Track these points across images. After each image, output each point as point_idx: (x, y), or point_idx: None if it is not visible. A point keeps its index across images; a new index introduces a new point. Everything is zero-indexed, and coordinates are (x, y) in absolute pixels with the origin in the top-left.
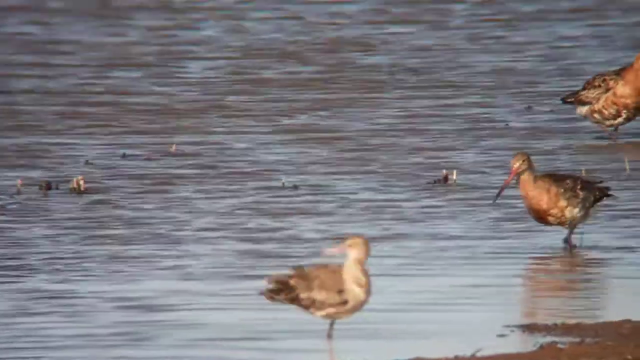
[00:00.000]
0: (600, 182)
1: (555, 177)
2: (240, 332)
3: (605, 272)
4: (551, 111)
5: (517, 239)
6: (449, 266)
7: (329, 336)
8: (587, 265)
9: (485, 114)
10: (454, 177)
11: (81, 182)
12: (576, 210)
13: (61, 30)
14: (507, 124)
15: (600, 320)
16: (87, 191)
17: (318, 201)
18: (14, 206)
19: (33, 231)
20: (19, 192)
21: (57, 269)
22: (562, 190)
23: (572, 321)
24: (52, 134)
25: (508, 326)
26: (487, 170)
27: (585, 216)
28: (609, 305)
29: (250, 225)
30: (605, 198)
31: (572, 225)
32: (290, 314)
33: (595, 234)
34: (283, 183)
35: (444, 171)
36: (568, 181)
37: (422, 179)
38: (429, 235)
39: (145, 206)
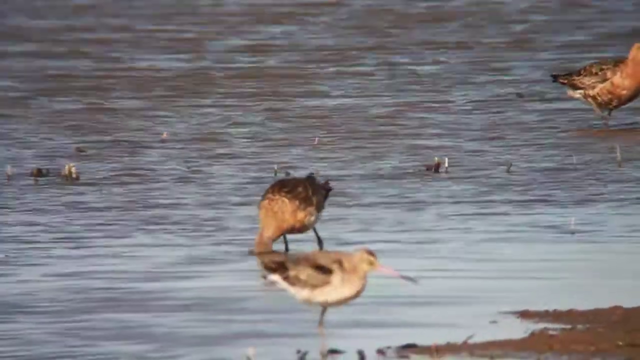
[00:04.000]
0: (326, 181)
1: (289, 190)
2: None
3: (597, 258)
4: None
5: (503, 226)
6: (440, 253)
7: (321, 323)
8: (579, 252)
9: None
10: (446, 165)
11: (73, 170)
12: (313, 218)
13: None
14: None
15: (592, 307)
16: (78, 179)
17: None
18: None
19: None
20: (8, 179)
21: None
22: (297, 202)
23: (564, 308)
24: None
25: (500, 312)
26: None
27: (318, 218)
28: (600, 291)
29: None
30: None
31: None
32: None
33: (592, 220)
34: (275, 171)
35: (436, 159)
36: (300, 189)
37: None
38: (419, 224)
39: (135, 191)
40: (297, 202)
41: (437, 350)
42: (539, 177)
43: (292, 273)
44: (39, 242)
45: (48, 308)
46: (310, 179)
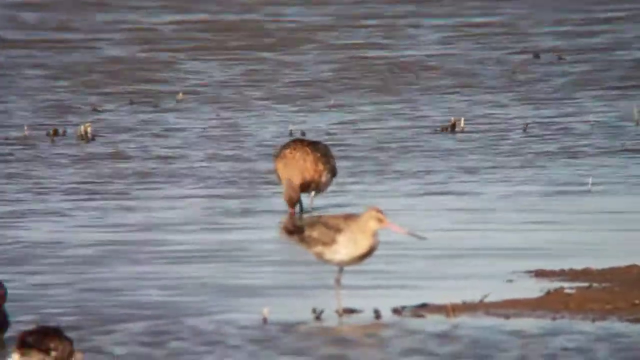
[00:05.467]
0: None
1: (310, 143)
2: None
3: (614, 216)
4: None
5: (518, 183)
6: (456, 213)
7: (338, 282)
8: (596, 210)
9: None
10: (462, 124)
11: (88, 129)
12: (329, 176)
13: None
14: (513, 72)
15: (608, 265)
16: (94, 138)
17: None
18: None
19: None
20: (25, 138)
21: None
22: (319, 154)
23: (580, 266)
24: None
25: (516, 272)
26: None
27: (330, 183)
28: (616, 250)
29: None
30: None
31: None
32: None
33: (610, 177)
34: (290, 131)
35: (452, 118)
36: (320, 145)
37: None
38: (433, 181)
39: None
40: (318, 154)
41: (453, 309)
42: (555, 135)
43: (307, 233)
44: (68, 194)
45: (85, 259)
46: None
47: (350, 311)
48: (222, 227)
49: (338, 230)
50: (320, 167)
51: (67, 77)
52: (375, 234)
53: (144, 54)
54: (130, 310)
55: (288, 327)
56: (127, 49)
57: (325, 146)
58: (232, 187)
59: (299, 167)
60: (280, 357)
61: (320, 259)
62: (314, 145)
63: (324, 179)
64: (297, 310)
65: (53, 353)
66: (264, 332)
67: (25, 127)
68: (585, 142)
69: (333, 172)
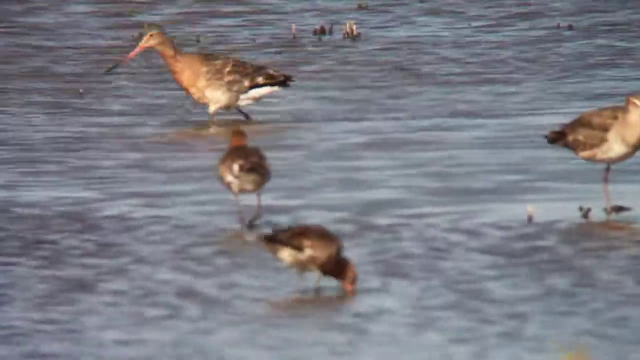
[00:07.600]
0: (273, 70)
1: (206, 57)
2: None
3: None
4: None
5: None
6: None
7: (605, 179)
8: None
9: None
10: None
11: (354, 27)
12: (219, 92)
13: None
14: None
15: None
16: (359, 36)
17: None
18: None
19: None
20: (294, 37)
21: None
22: (205, 70)
23: None
24: None
25: None
26: None
27: (234, 100)
28: None
29: None
30: (280, 85)
31: (227, 108)
32: None
33: None
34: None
35: None
36: (217, 62)
37: None
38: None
39: None
40: (204, 69)
41: None
42: None
43: (570, 137)
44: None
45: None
46: (241, 61)
47: (620, 209)
48: None
49: (605, 128)
50: (202, 83)
51: None
52: None
53: None
54: None
55: (552, 225)
56: None
57: (227, 61)
58: None
59: (183, 74)
60: (543, 253)
61: (592, 160)
62: (210, 58)
63: (209, 94)
64: (562, 208)
65: (308, 250)
66: (527, 229)
67: (293, 26)
68: None
69: (231, 89)
